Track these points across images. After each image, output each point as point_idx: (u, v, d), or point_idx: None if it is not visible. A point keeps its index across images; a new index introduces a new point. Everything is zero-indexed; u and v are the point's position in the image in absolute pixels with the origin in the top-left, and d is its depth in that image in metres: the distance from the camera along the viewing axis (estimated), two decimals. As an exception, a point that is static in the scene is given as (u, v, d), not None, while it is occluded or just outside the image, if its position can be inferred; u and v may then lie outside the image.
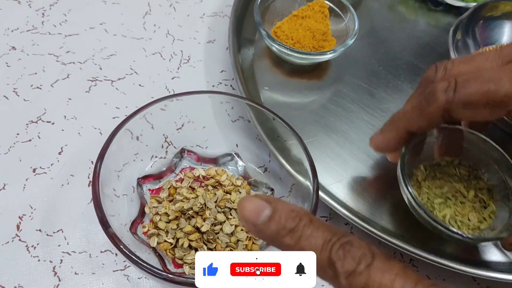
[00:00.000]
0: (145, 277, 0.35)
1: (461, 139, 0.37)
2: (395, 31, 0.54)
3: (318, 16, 0.48)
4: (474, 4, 0.51)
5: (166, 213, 0.34)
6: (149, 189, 0.37)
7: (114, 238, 0.27)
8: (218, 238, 0.33)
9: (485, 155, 0.36)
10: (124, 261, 0.35)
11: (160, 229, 0.34)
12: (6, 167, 0.39)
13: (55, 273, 0.34)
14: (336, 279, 0.19)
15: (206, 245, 0.33)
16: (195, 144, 0.39)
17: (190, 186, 0.37)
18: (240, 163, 0.39)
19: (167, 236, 0.33)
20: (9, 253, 0.35)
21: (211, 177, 0.37)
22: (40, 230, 0.36)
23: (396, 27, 0.55)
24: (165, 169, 0.38)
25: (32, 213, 0.37)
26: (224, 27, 0.51)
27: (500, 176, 0.36)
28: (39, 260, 0.35)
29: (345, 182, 0.40)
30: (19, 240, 0.35)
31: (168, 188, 0.36)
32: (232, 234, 0.34)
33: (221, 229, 0.34)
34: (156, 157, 0.38)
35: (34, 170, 0.39)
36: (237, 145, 0.39)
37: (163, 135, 0.38)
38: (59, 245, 0.36)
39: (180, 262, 0.33)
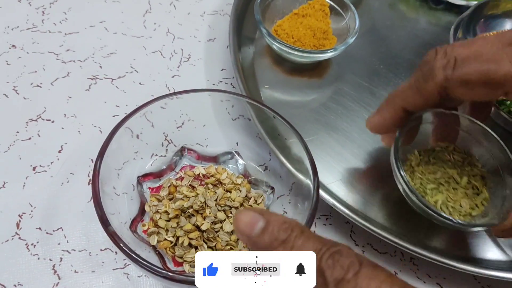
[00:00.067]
0: (145, 276, 0.35)
1: (457, 125, 0.37)
2: (396, 30, 0.54)
3: (319, 14, 0.48)
4: (475, 2, 0.51)
5: (166, 212, 0.34)
6: (149, 188, 0.37)
7: (114, 236, 0.27)
8: (218, 236, 0.33)
9: (480, 142, 0.36)
10: (124, 260, 0.35)
11: (160, 227, 0.34)
12: (6, 165, 0.39)
13: (55, 271, 0.34)
14: (326, 287, 0.20)
15: (206, 243, 0.33)
16: (195, 142, 0.39)
17: (190, 185, 0.37)
18: (241, 161, 0.39)
19: (167, 235, 0.33)
20: (9, 251, 0.35)
21: (211, 176, 0.37)
22: (40, 228, 0.36)
23: (397, 25, 0.54)
24: (165, 167, 0.38)
25: (32, 211, 0.37)
26: (224, 25, 0.51)
27: (495, 163, 0.36)
28: (38, 258, 0.35)
29: (346, 181, 0.40)
30: (19, 238, 0.35)
31: (168, 187, 0.36)
32: (232, 232, 0.34)
33: (221, 227, 0.34)
34: (156, 155, 0.38)
35: (34, 169, 0.39)
36: (237, 143, 0.39)
37: (163, 133, 0.38)
38: (59, 243, 0.35)
39: (180, 260, 0.33)
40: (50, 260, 0.35)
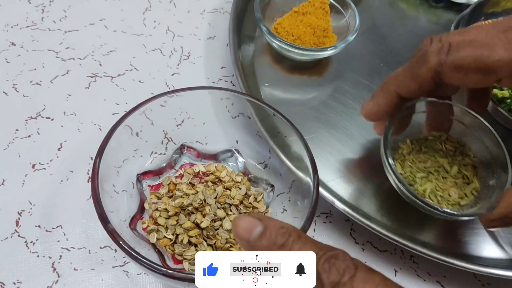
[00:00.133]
0: (144, 273, 0.35)
1: (450, 114, 0.37)
2: (396, 28, 0.54)
3: (319, 12, 0.48)
4: (475, 0, 0.51)
5: (165, 209, 0.34)
6: (149, 185, 0.37)
7: (113, 234, 0.27)
8: (217, 234, 0.33)
9: (473, 132, 0.36)
10: (124, 257, 0.35)
11: (160, 225, 0.34)
12: (5, 163, 0.39)
13: (54, 269, 0.34)
14: None
15: (205, 241, 0.33)
16: (195, 140, 0.39)
17: (190, 182, 0.37)
18: (240, 159, 0.39)
19: (166, 232, 0.33)
20: (8, 249, 0.35)
21: (211, 173, 0.37)
22: (39, 226, 0.36)
23: (397, 23, 0.54)
24: (164, 165, 0.38)
25: (31, 209, 0.37)
26: (224, 23, 0.51)
27: (488, 154, 0.35)
28: (38, 256, 0.35)
29: (346, 179, 0.40)
30: (18, 236, 0.35)
31: (168, 184, 0.36)
32: (231, 230, 0.34)
33: (220, 225, 0.34)
34: (155, 153, 0.37)
35: (33, 166, 0.39)
36: (237, 141, 0.39)
37: (163, 131, 0.38)
38: (58, 241, 0.35)
39: (179, 258, 0.33)
40: (50, 257, 0.35)
